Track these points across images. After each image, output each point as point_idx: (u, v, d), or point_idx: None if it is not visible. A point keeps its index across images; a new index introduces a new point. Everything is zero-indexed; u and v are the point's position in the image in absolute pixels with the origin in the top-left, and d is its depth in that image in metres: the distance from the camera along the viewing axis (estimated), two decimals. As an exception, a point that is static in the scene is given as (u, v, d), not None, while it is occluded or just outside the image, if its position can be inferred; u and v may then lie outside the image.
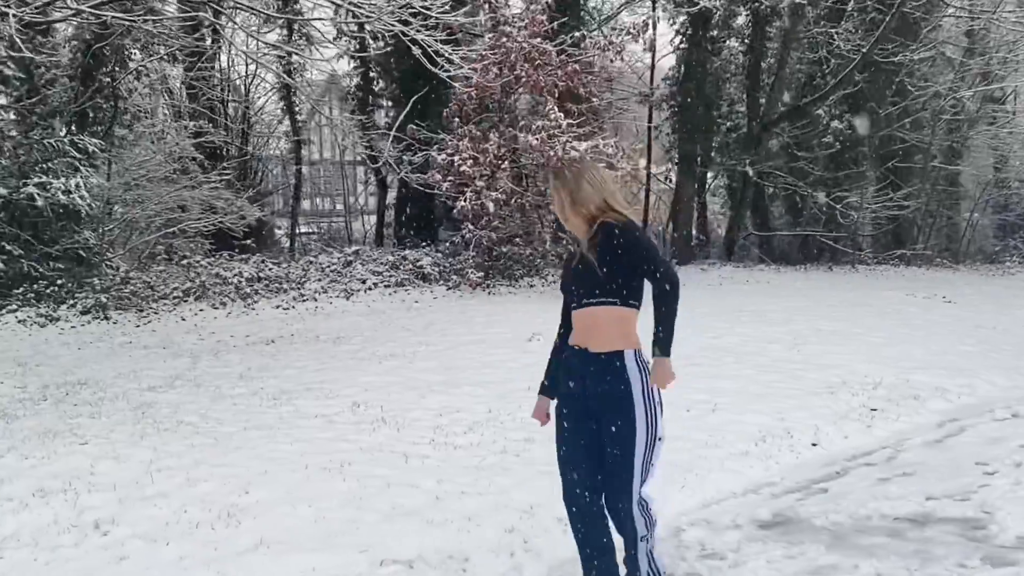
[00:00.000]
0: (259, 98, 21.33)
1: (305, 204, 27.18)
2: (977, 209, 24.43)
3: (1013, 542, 4.56)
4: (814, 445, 6.56)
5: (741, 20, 20.19)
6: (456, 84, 12.69)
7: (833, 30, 18.01)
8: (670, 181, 21.68)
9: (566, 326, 3.75)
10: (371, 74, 18.96)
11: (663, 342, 3.42)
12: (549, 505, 5.04)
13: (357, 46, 18.05)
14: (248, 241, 15.42)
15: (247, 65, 19.08)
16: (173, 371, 8.38)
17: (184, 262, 13.25)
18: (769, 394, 7.62)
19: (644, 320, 3.48)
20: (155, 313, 11.59)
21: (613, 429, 3.51)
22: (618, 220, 3.52)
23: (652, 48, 20.25)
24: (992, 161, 24.29)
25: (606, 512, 3.71)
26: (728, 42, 20.60)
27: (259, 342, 9.89)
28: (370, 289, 13.09)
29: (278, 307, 12.07)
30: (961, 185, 24.09)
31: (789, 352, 9.32)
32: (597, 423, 3.58)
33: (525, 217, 14.56)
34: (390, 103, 18.88)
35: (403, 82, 17.39)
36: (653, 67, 21.34)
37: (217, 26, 11.76)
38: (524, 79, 13.07)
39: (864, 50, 16.97)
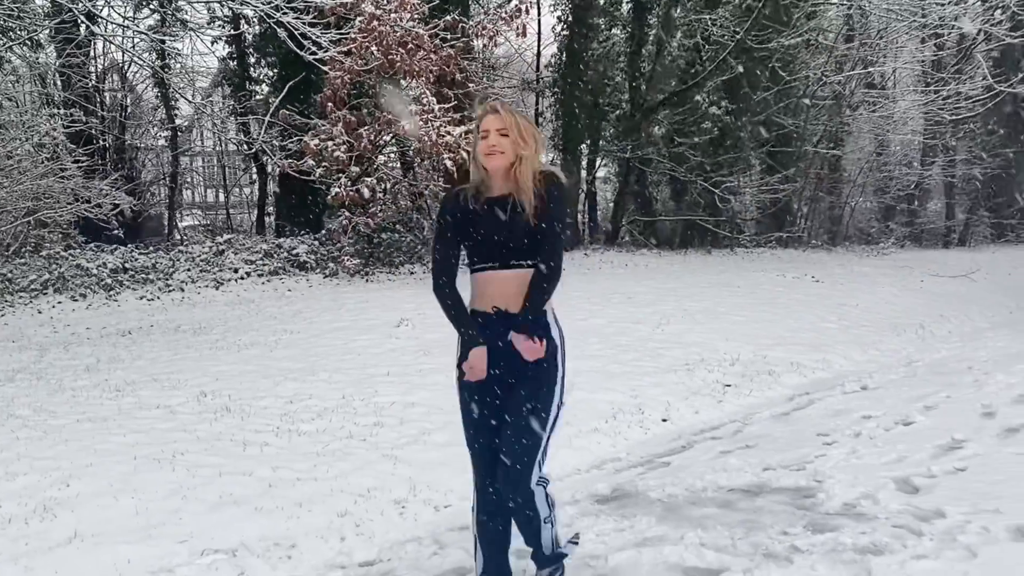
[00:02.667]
0: (137, 85, 20.66)
1: (197, 195, 26.54)
2: (857, 193, 25.18)
3: (838, 508, 4.66)
4: (664, 421, 6.65)
5: (625, 8, 20.36)
6: (326, 68, 12.48)
7: (708, 16, 18.30)
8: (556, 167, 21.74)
9: (449, 278, 3.37)
10: (248, 60, 18.49)
11: (529, 316, 3.25)
12: (387, 488, 4.98)
13: (232, 31, 17.56)
14: (116, 231, 14.85)
15: (123, 53, 18.41)
16: (17, 364, 8.01)
17: (44, 253, 12.70)
18: (626, 373, 7.69)
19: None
20: (11, 306, 11.08)
21: (532, 396, 3.31)
22: (555, 174, 3.33)
23: (537, 33, 20.35)
24: (872, 145, 25.06)
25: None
26: (613, 30, 20.75)
27: (115, 334, 9.54)
28: (243, 278, 12.75)
29: (142, 298, 11.67)
30: (843, 169, 24.81)
31: (652, 332, 9.43)
32: (507, 392, 3.35)
33: (412, 203, 14.46)
34: (268, 89, 18.44)
35: (281, 67, 17.03)
36: (539, 54, 21.40)
37: (77, 13, 11.23)
38: (399, 63, 12.89)
39: (738, 36, 17.29)
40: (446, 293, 3.37)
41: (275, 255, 13.54)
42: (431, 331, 9.02)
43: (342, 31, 12.48)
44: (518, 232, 3.25)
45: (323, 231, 14.50)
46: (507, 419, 3.33)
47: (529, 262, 3.28)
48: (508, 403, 3.35)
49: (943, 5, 19.58)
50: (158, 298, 11.75)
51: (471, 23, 14.30)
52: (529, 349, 3.25)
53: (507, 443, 3.31)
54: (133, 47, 17.87)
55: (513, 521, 3.51)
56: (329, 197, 12.82)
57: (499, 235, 3.28)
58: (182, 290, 12.14)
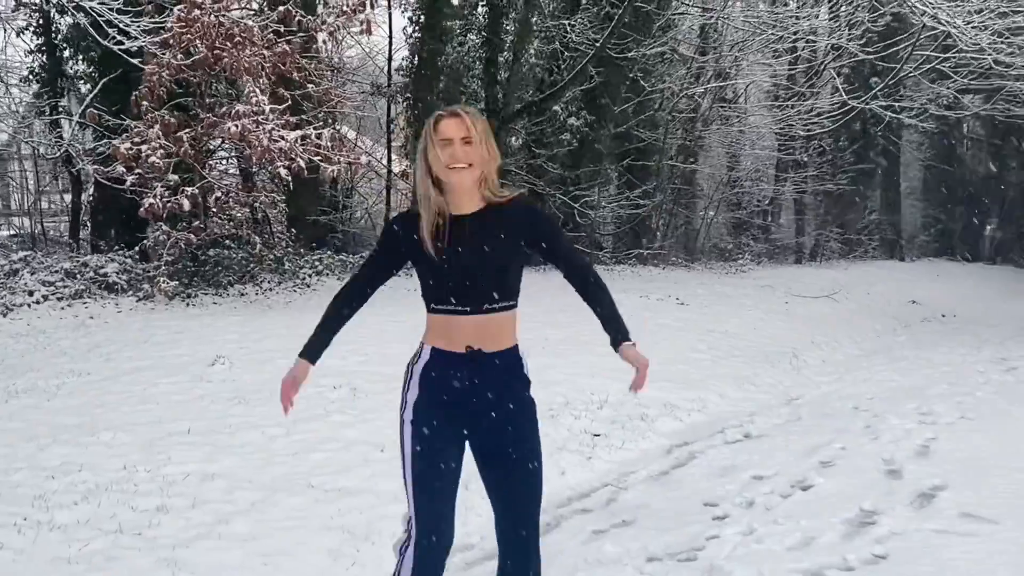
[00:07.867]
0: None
1: (15, 203, 23.93)
2: (711, 207, 24.97)
3: (745, 623, 3.64)
4: (524, 490, 5.52)
5: (480, 11, 19.36)
6: (136, 61, 10.98)
7: (567, 22, 17.51)
8: (408, 178, 20.53)
9: (356, 297, 3.00)
10: (62, 53, 16.48)
11: (624, 329, 2.98)
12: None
13: (41, 20, 15.61)
14: None
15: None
16: None
17: None
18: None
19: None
20: None
21: (522, 439, 2.95)
22: (524, 198, 3.02)
23: (389, 35, 19.26)
24: (726, 160, 24.99)
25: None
26: (468, 35, 19.70)
27: None
28: (38, 303, 10.92)
29: (-92, 328, 9.80)
30: (697, 184, 24.58)
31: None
32: (486, 437, 2.95)
33: (252, 214, 13.00)
34: (88, 87, 16.50)
35: (100, 63, 15.20)
36: (390, 57, 20.17)
37: None
38: (225, 59, 11.40)
39: (598, 44, 16.54)
40: (343, 315, 3.01)
41: (79, 275, 11.75)
42: (251, 371, 7.64)
43: (157, 20, 11.00)
44: (492, 265, 2.84)
45: (136, 248, 12.77)
46: (503, 465, 2.96)
47: (505, 303, 2.88)
48: (496, 448, 2.96)
49: (798, 20, 19.55)
50: (-73, 328, 9.88)
51: (312, 18, 12.87)
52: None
53: (513, 486, 2.98)
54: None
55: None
56: (142, 209, 11.15)
57: (469, 270, 2.81)
58: (-41, 318, 10.29)
